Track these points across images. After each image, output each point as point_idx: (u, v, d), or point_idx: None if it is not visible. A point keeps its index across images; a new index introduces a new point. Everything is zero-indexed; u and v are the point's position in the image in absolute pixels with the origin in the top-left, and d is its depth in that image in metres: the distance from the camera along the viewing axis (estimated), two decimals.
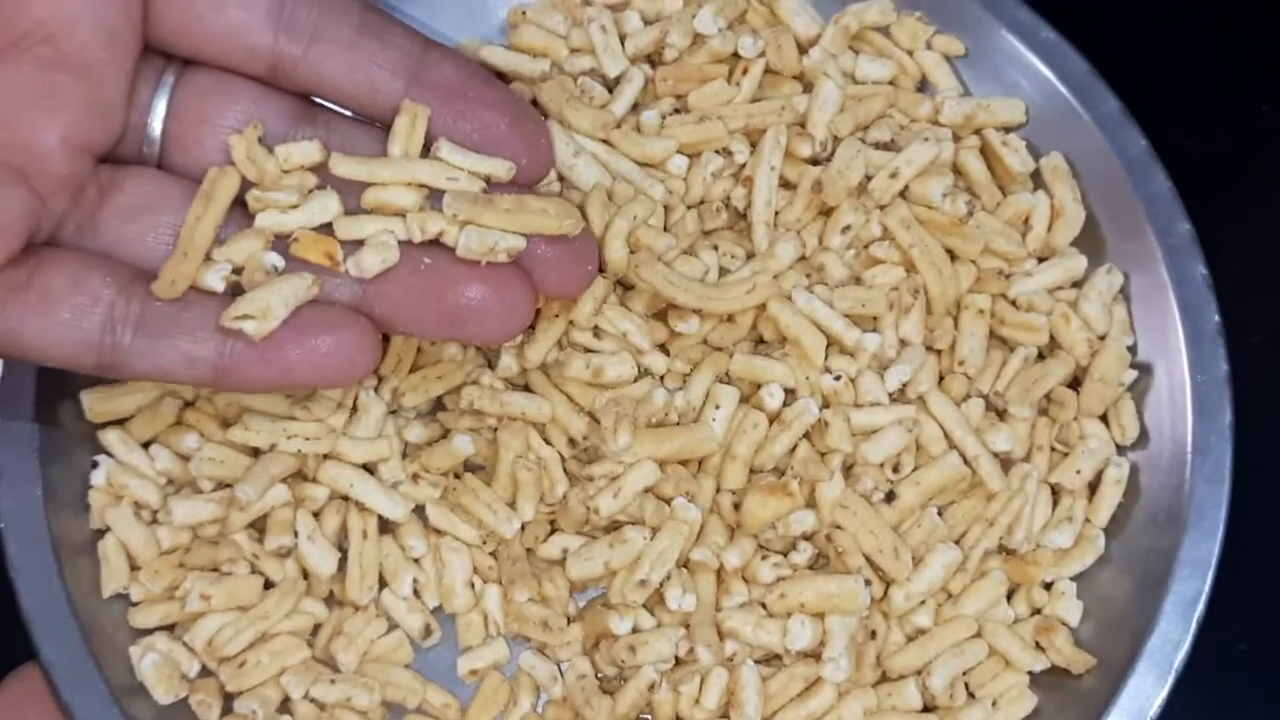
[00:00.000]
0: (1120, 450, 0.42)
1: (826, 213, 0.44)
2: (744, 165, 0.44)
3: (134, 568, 0.40)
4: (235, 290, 0.33)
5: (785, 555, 0.41)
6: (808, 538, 0.41)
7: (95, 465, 0.41)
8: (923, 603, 0.40)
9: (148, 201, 0.33)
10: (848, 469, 0.41)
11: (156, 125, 0.33)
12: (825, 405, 0.41)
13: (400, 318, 0.34)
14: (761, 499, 0.39)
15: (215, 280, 0.33)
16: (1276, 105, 0.53)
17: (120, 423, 0.41)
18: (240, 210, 0.34)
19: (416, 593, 0.41)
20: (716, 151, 0.44)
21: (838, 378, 0.41)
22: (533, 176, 0.35)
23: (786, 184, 0.44)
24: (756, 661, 0.40)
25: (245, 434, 0.40)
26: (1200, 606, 0.39)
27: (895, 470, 0.41)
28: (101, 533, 0.41)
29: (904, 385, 0.42)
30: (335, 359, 0.33)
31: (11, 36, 0.30)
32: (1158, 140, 0.44)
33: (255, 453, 0.41)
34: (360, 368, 0.33)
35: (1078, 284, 0.44)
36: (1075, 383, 0.43)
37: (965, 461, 0.41)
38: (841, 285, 0.42)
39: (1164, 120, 0.44)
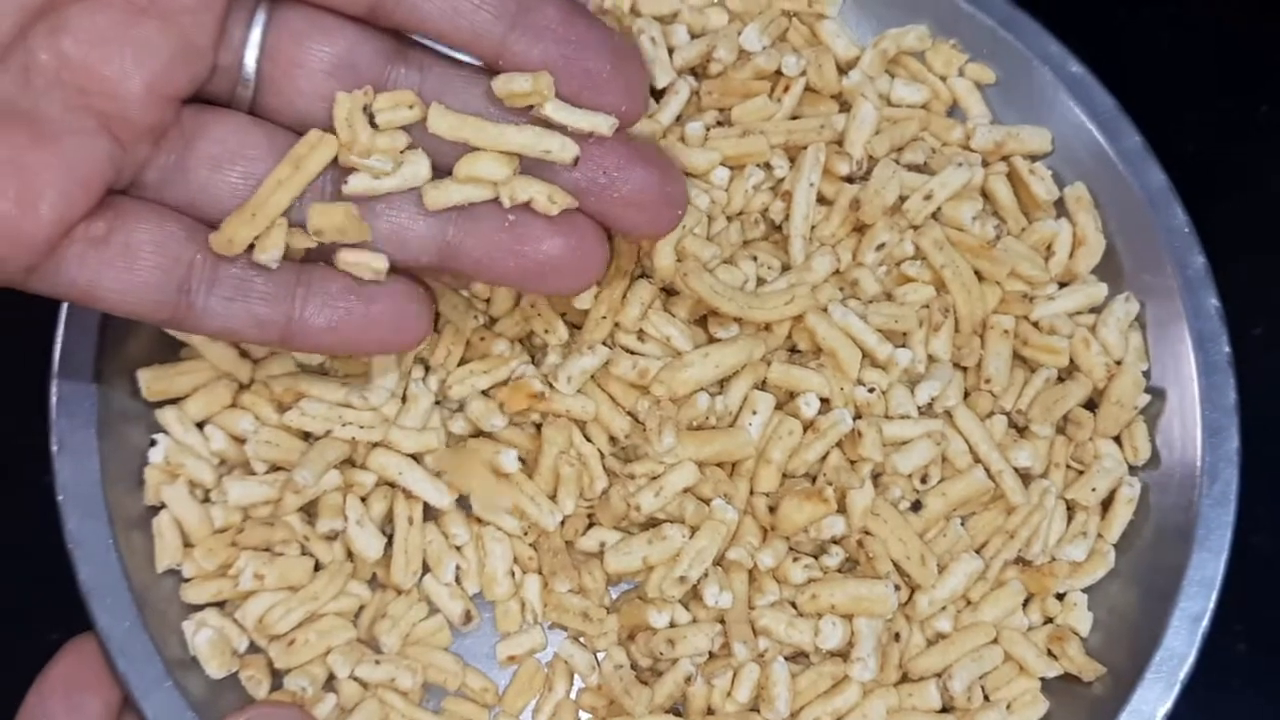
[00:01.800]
0: (1133, 470, 0.45)
1: (860, 230, 0.46)
2: (783, 179, 0.46)
3: (187, 545, 0.41)
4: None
5: (816, 558, 0.42)
6: (838, 542, 0.42)
7: (154, 443, 0.42)
8: (944, 609, 0.42)
9: (233, 149, 0.33)
10: (876, 478, 0.43)
11: (250, 66, 0.33)
12: (858, 416, 0.43)
13: (482, 270, 0.35)
14: (798, 504, 0.41)
15: (269, 258, 0.33)
16: (1276, 105, 0.54)
17: (176, 401, 0.42)
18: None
19: (458, 579, 0.43)
20: (758, 165, 0.46)
21: (870, 390, 0.43)
22: (631, 118, 0.35)
23: (823, 200, 0.46)
24: (785, 659, 0.41)
25: (301, 419, 0.41)
26: (1205, 623, 0.41)
27: (923, 481, 0.43)
28: (155, 509, 0.42)
29: (932, 400, 0.44)
30: (393, 327, 0.34)
31: None
32: (1157, 139, 0.45)
33: (307, 436, 0.42)
34: (415, 335, 0.35)
35: (1096, 310, 0.46)
36: (1091, 404, 0.45)
37: (989, 475, 0.43)
38: (875, 301, 0.44)
39: (1164, 119, 0.45)
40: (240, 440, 0.42)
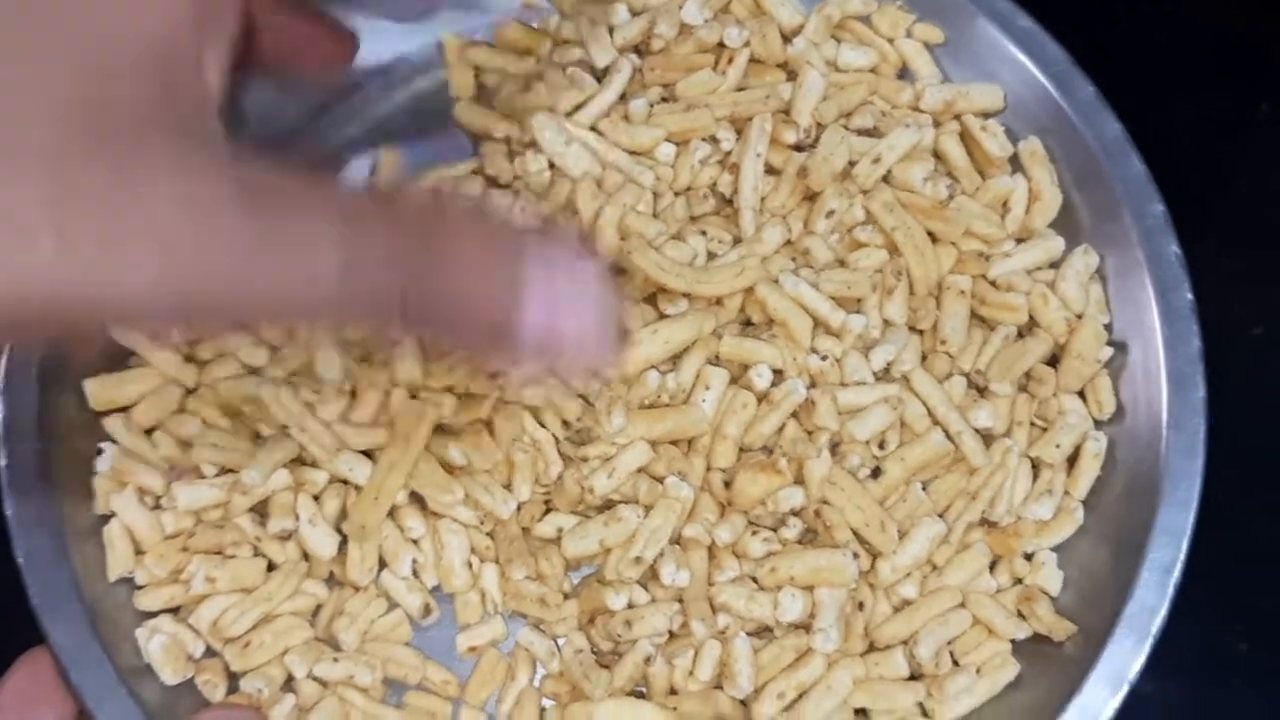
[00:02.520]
0: (1098, 425, 0.44)
1: (811, 198, 0.45)
2: (730, 152, 0.46)
3: (139, 552, 0.41)
4: None
5: (775, 531, 0.42)
6: (796, 513, 0.42)
7: (100, 452, 0.42)
8: (908, 575, 0.42)
9: None
10: (835, 446, 0.42)
11: None
12: (812, 385, 0.43)
13: None
14: (752, 476, 0.41)
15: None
16: (1276, 103, 0.54)
17: (123, 410, 0.42)
18: None
19: (416, 573, 0.42)
20: (703, 139, 0.46)
21: (824, 358, 0.42)
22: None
23: (772, 170, 0.46)
24: (748, 634, 0.41)
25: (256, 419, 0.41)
26: (1176, 574, 0.41)
27: (881, 447, 0.42)
28: (106, 518, 0.42)
29: (889, 364, 0.43)
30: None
31: None
32: (1157, 136, 0.44)
33: (256, 437, 0.42)
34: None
35: (1055, 265, 0.45)
36: (1053, 360, 0.45)
37: (949, 437, 0.42)
38: (827, 268, 0.44)
39: (1164, 118, 0.45)
40: (188, 445, 0.42)
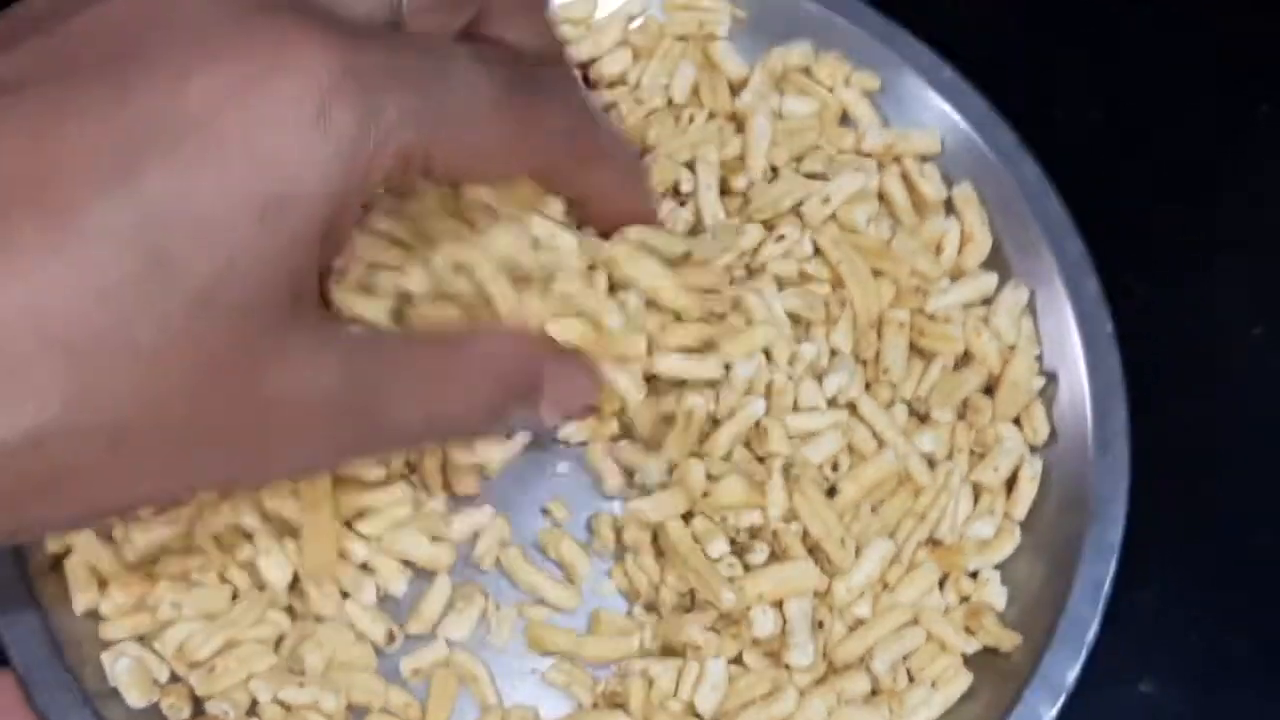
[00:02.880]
0: (1032, 450, 0.46)
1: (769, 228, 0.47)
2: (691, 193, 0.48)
3: (102, 583, 0.41)
4: None
5: (739, 556, 0.43)
6: (754, 534, 0.43)
7: None
8: (862, 594, 0.43)
9: None
10: (786, 469, 0.44)
11: None
12: (766, 410, 0.44)
13: None
14: (741, 484, 0.42)
15: None
16: (1276, 105, 0.55)
17: None
18: None
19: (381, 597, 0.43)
20: (667, 191, 0.48)
21: (789, 378, 0.44)
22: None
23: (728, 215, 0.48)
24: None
25: None
26: (1106, 587, 0.43)
27: (834, 469, 0.44)
28: (63, 554, 0.41)
29: (837, 393, 0.45)
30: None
31: None
32: (1156, 137, 0.46)
33: None
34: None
35: (988, 300, 0.48)
36: (988, 389, 0.47)
37: (897, 457, 0.44)
38: (787, 286, 0.46)
39: (1162, 118, 0.46)
40: None
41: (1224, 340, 0.45)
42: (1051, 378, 0.47)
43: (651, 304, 0.40)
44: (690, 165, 0.48)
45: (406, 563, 0.43)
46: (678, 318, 0.41)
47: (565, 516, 0.45)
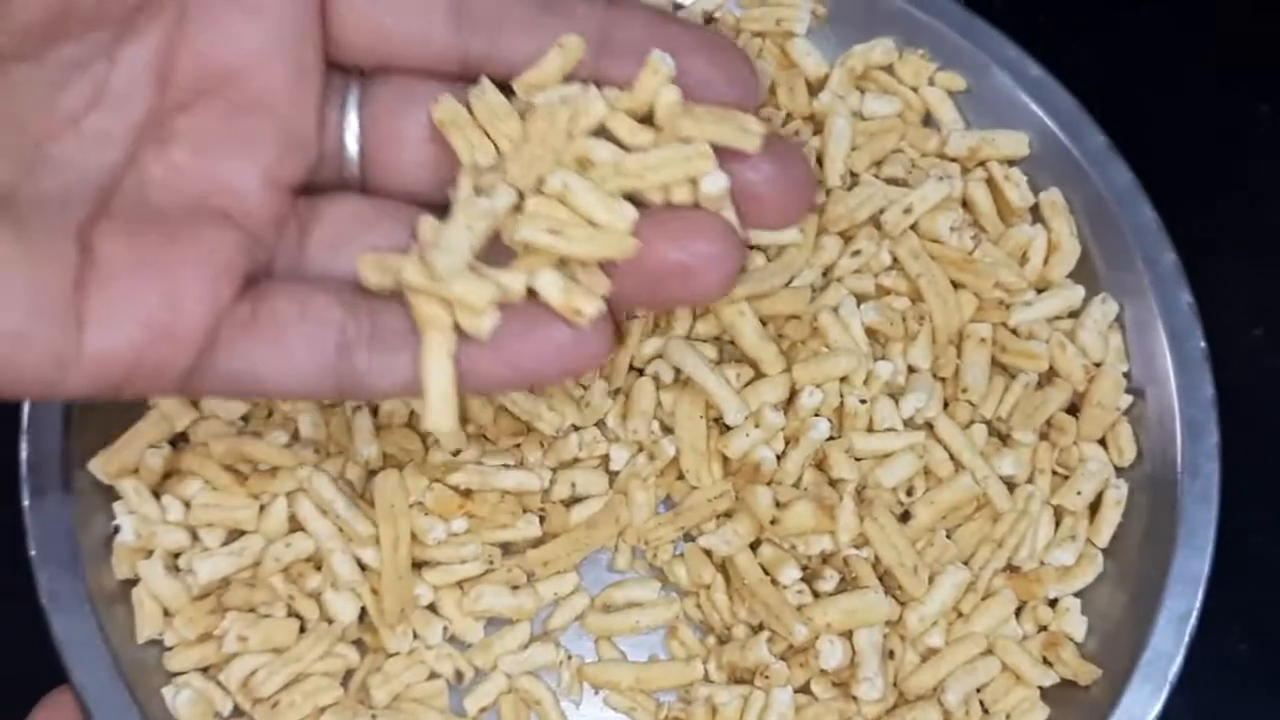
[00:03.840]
0: (1119, 472, 0.45)
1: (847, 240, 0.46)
2: None
3: (167, 614, 0.41)
4: None
5: (809, 583, 0.42)
6: (825, 560, 0.42)
7: (117, 529, 0.42)
8: (935, 624, 0.42)
9: (349, 229, 0.33)
10: (860, 492, 0.43)
11: (352, 147, 0.33)
12: (835, 435, 0.43)
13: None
14: (810, 509, 0.41)
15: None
16: (1276, 105, 0.54)
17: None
18: None
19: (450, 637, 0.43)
20: None
21: (863, 401, 0.43)
22: (746, 108, 0.33)
23: None
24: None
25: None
26: (1192, 622, 0.42)
27: (908, 493, 0.43)
28: (131, 582, 0.42)
29: (915, 412, 0.44)
30: (571, 348, 0.32)
31: (200, 84, 0.30)
32: (1157, 138, 0.45)
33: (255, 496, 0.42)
34: (599, 356, 0.33)
35: (1075, 314, 0.46)
36: (1073, 408, 0.45)
37: (975, 482, 0.43)
38: (864, 300, 0.45)
39: (1164, 119, 0.45)
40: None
41: (1224, 340, 0.44)
42: (1139, 396, 0.45)
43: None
44: None
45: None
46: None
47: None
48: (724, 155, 0.32)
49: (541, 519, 0.43)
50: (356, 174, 0.33)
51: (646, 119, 0.33)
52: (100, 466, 0.42)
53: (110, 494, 0.42)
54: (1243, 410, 0.43)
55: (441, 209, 0.32)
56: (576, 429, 0.44)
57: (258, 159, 0.31)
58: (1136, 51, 0.53)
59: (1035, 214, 0.47)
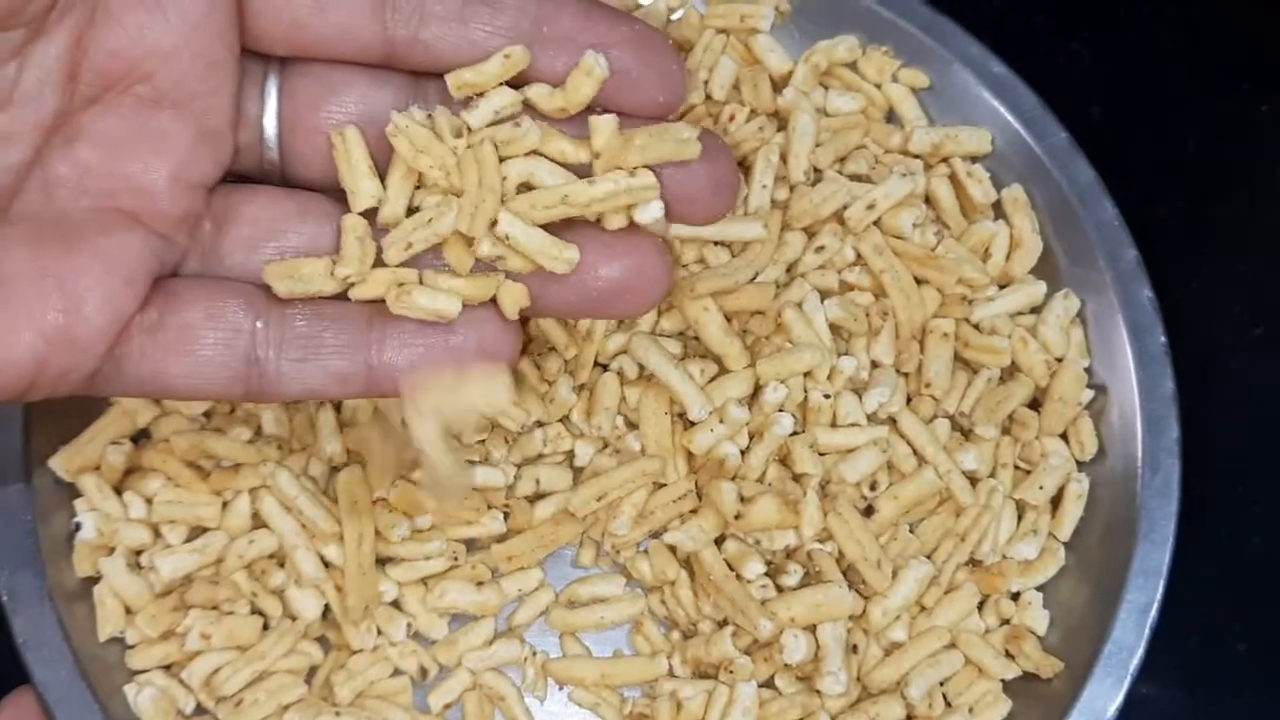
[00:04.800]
0: (1080, 466, 0.45)
1: (810, 235, 0.46)
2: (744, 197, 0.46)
3: (129, 612, 0.41)
4: None
5: (773, 578, 0.43)
6: (789, 554, 0.43)
7: (78, 527, 0.42)
8: (898, 617, 0.43)
9: (266, 228, 0.33)
10: (823, 486, 0.43)
11: (272, 137, 0.33)
12: (799, 430, 0.44)
13: (538, 306, 0.34)
14: (775, 504, 0.42)
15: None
16: (1277, 104, 0.54)
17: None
18: None
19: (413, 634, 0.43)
20: None
21: (826, 396, 0.43)
22: (671, 108, 0.34)
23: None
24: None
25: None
26: (1153, 614, 0.42)
27: (871, 488, 0.43)
28: (92, 580, 0.42)
29: (878, 407, 0.44)
30: (482, 356, 0.33)
31: (107, 80, 0.30)
32: (1158, 138, 0.45)
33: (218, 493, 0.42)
34: (507, 356, 0.33)
35: (1037, 309, 0.47)
36: (1035, 403, 0.46)
37: (938, 476, 0.44)
38: (827, 295, 0.45)
39: (1164, 119, 0.46)
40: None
41: (1224, 340, 0.44)
42: (1101, 391, 0.46)
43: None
44: (738, 163, 0.47)
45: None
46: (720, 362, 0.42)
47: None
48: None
49: (505, 515, 0.43)
50: (277, 163, 0.33)
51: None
52: (61, 464, 0.42)
53: (71, 491, 0.42)
54: (1243, 410, 0.44)
55: None
56: (541, 425, 0.44)
57: (168, 156, 0.31)
58: (1136, 51, 0.54)
59: (998, 210, 0.48)
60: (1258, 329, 0.51)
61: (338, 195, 0.33)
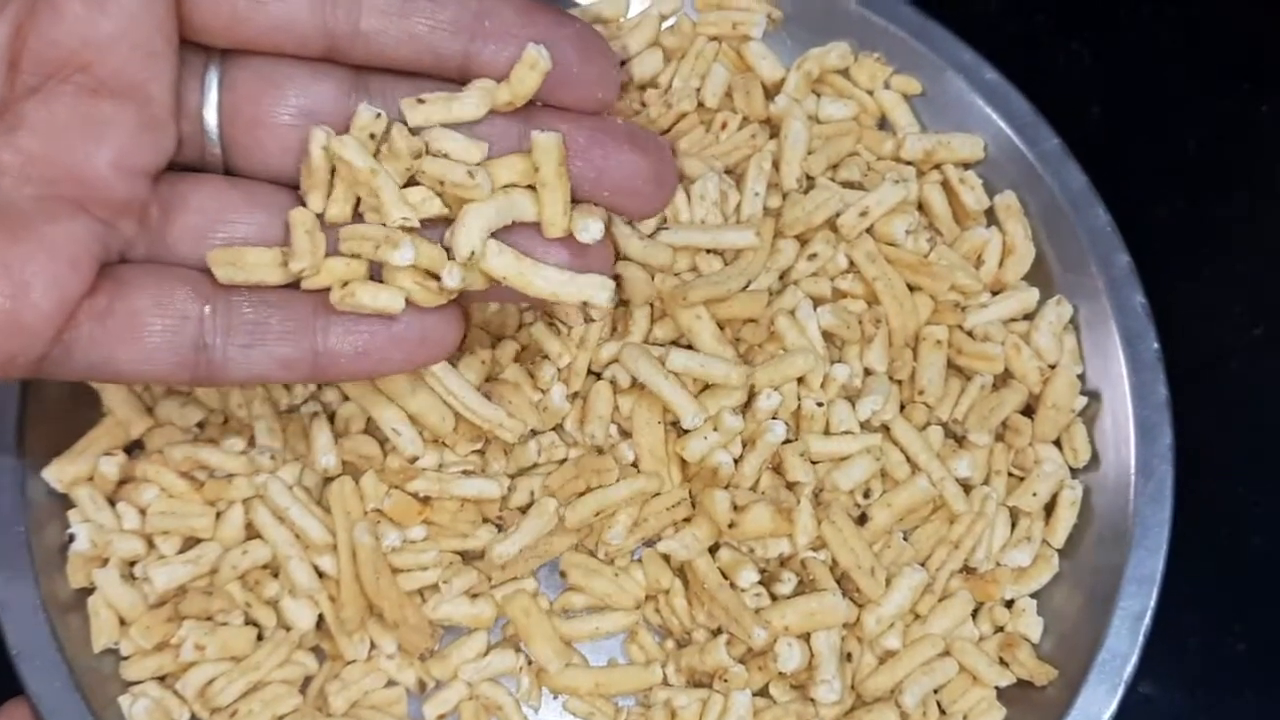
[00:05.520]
0: (1074, 473, 0.46)
1: (803, 242, 0.46)
2: (737, 205, 0.47)
3: (123, 623, 0.41)
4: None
5: (767, 587, 0.43)
6: (783, 563, 0.43)
7: (72, 538, 0.42)
8: (892, 625, 0.43)
9: (211, 217, 0.33)
10: (817, 494, 0.43)
11: (213, 129, 0.33)
12: (792, 438, 0.44)
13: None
14: (768, 513, 0.42)
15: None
16: (1277, 104, 0.55)
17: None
18: None
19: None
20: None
21: (820, 404, 0.44)
22: (606, 105, 0.35)
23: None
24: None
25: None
26: (1147, 621, 0.42)
27: (865, 495, 0.43)
28: (86, 591, 0.42)
29: (871, 415, 0.44)
30: (425, 343, 0.34)
31: (48, 69, 0.31)
32: (1158, 138, 0.46)
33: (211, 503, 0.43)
34: (449, 345, 0.35)
35: (1029, 316, 0.47)
36: (1028, 410, 0.46)
37: (931, 484, 0.44)
38: (821, 303, 0.45)
39: (1165, 119, 0.46)
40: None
41: (1224, 340, 0.45)
42: (1094, 398, 0.46)
43: None
44: (730, 170, 0.47)
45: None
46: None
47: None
48: (602, 152, 0.34)
49: (500, 527, 0.43)
50: (219, 156, 0.34)
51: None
52: (55, 475, 0.42)
53: (65, 502, 0.43)
54: (1243, 410, 0.44)
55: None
56: (535, 434, 0.44)
57: (109, 144, 0.31)
58: (1136, 51, 0.54)
59: (990, 217, 0.48)
60: (1258, 329, 0.52)
61: (284, 185, 0.34)
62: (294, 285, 0.33)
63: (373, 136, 0.33)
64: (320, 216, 0.33)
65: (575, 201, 0.35)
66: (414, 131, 0.33)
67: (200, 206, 0.33)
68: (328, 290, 0.33)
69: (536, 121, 0.34)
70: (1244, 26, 0.56)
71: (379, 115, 0.33)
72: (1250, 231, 0.53)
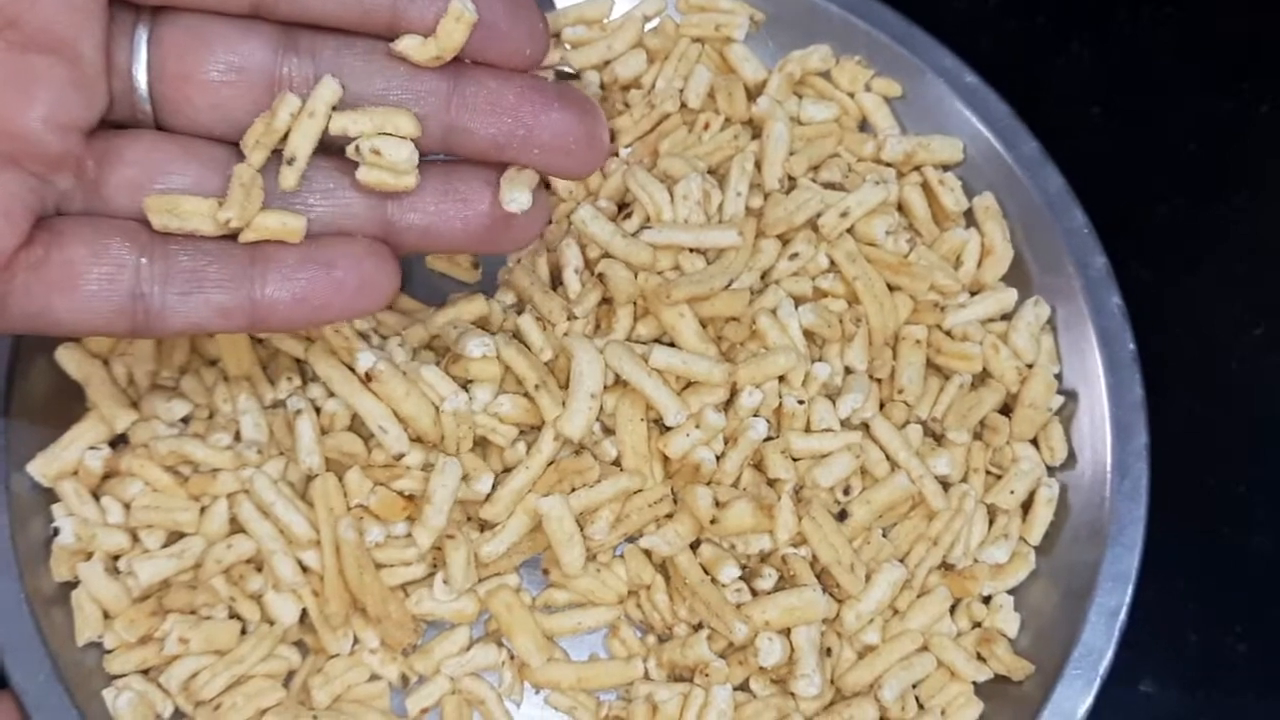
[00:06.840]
0: (1050, 471, 0.46)
1: (785, 241, 0.47)
2: (720, 205, 0.47)
3: (107, 616, 0.42)
4: None
5: (748, 582, 0.43)
6: (764, 558, 0.43)
7: (57, 531, 0.42)
8: (871, 621, 0.43)
9: (149, 170, 0.34)
10: (797, 491, 0.44)
11: (142, 86, 0.34)
12: (773, 435, 0.44)
13: (429, 240, 0.36)
14: (750, 509, 0.42)
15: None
16: (1276, 104, 0.55)
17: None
18: None
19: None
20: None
21: (801, 401, 0.44)
22: (534, 62, 0.35)
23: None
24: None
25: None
26: (1122, 617, 0.43)
27: (845, 493, 0.44)
28: (70, 585, 0.42)
29: (851, 413, 0.45)
30: (363, 290, 0.35)
31: None
32: (1158, 138, 0.46)
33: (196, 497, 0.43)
34: (387, 291, 0.35)
35: (1007, 316, 0.48)
36: (1006, 409, 0.47)
37: (911, 481, 0.44)
38: (801, 301, 0.46)
39: (1164, 119, 0.46)
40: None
41: (1224, 340, 0.45)
42: (1071, 397, 0.47)
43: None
44: (713, 170, 0.48)
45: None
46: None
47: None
48: (531, 109, 0.35)
49: (483, 526, 0.44)
50: (149, 113, 0.34)
51: None
52: (39, 469, 0.42)
53: (49, 496, 0.43)
54: (1243, 410, 0.44)
55: (237, 148, 0.34)
56: (521, 432, 0.45)
57: (41, 100, 0.31)
58: (1136, 51, 0.55)
59: (969, 218, 0.49)
60: (1258, 329, 0.52)
61: (220, 140, 0.34)
62: (232, 237, 0.34)
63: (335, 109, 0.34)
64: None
65: (504, 165, 0.35)
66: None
67: (137, 160, 0.34)
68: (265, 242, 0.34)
69: (466, 79, 0.35)
70: (1243, 26, 0.56)
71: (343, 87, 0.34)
72: (1249, 231, 0.54)
